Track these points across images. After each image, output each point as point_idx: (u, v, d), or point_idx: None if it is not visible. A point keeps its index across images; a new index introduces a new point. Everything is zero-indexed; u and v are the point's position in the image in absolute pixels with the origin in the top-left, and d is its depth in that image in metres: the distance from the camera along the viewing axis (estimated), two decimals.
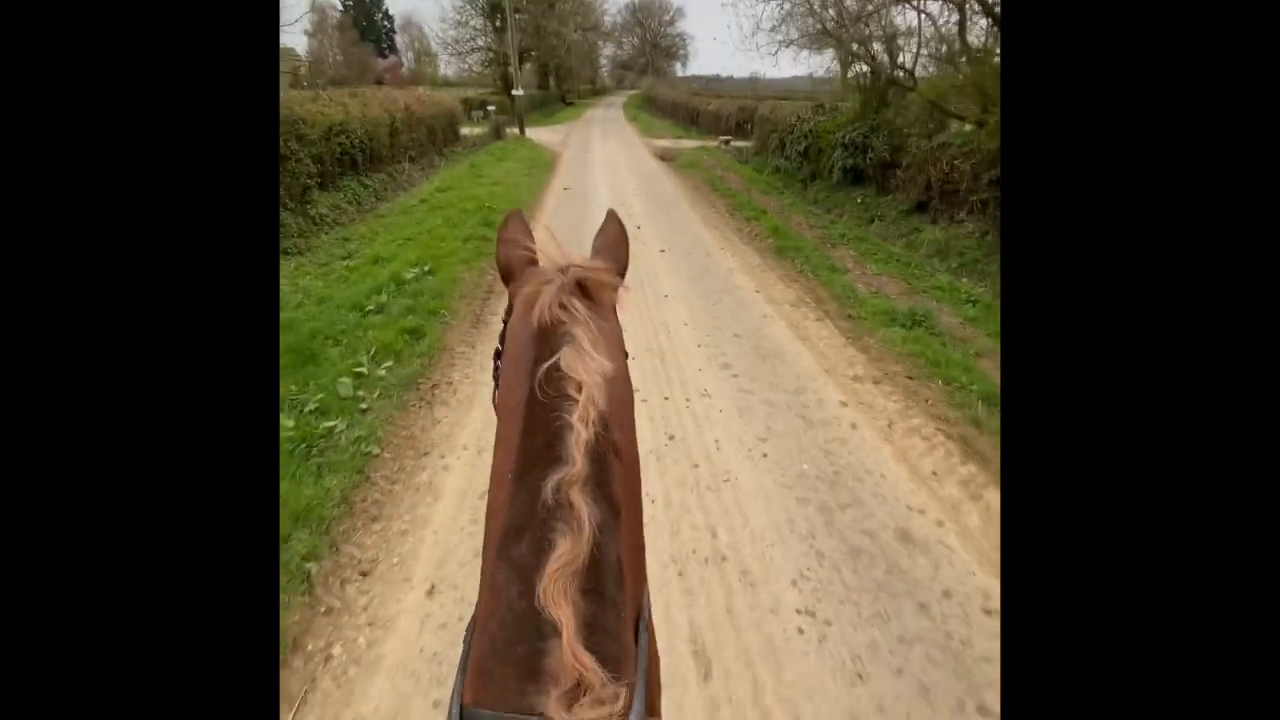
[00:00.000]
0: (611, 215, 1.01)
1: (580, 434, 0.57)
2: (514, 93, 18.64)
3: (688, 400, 3.64)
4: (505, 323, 0.82)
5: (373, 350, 4.08)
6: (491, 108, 20.74)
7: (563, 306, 0.67)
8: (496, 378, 0.83)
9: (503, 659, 0.51)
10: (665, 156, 15.28)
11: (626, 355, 0.80)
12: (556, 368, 0.62)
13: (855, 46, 11.43)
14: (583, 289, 0.72)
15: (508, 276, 0.84)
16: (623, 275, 0.87)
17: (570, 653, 0.48)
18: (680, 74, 69.33)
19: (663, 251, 6.91)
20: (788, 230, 7.64)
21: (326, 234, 7.86)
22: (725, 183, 11.67)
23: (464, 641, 0.59)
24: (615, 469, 0.61)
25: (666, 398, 3.67)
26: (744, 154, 16.03)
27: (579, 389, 0.60)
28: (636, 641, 0.57)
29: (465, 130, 17.86)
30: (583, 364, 0.62)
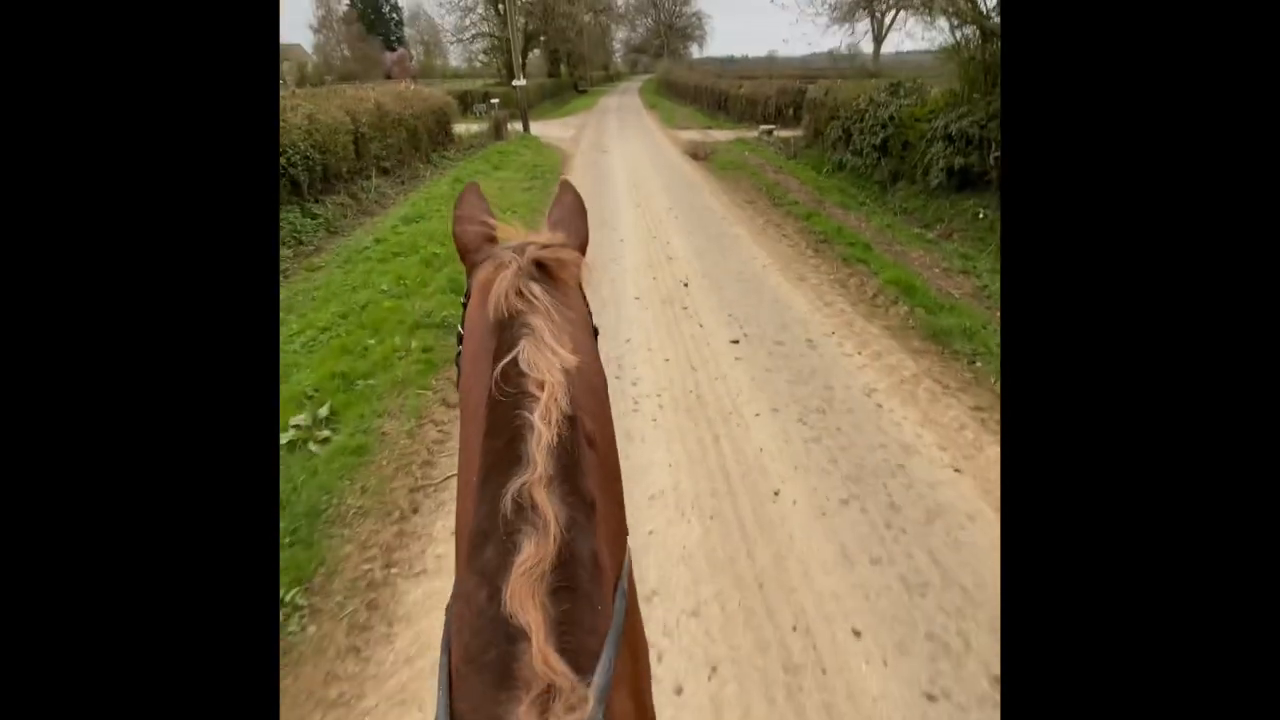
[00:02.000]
0: (565, 185, 0.95)
1: (542, 434, 0.54)
2: (515, 84, 15.68)
3: None
4: (465, 306, 0.77)
5: None
6: (495, 100, 17.87)
7: (520, 294, 0.64)
8: (459, 364, 0.75)
9: (476, 666, 0.48)
10: (698, 154, 12.33)
11: (596, 333, 0.78)
12: (515, 364, 0.59)
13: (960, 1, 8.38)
14: (542, 269, 0.69)
15: (465, 256, 0.79)
16: (583, 249, 0.82)
17: (540, 658, 0.45)
18: (696, 55, 65.60)
19: (736, 343, 4.06)
20: (922, 284, 4.76)
21: None
22: (784, 190, 8.72)
23: (442, 653, 0.54)
24: (589, 460, 0.58)
25: None
26: (792, 146, 13.01)
27: (540, 386, 0.57)
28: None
29: (462, 128, 15.06)
30: (543, 359, 0.59)
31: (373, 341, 4.01)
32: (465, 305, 0.76)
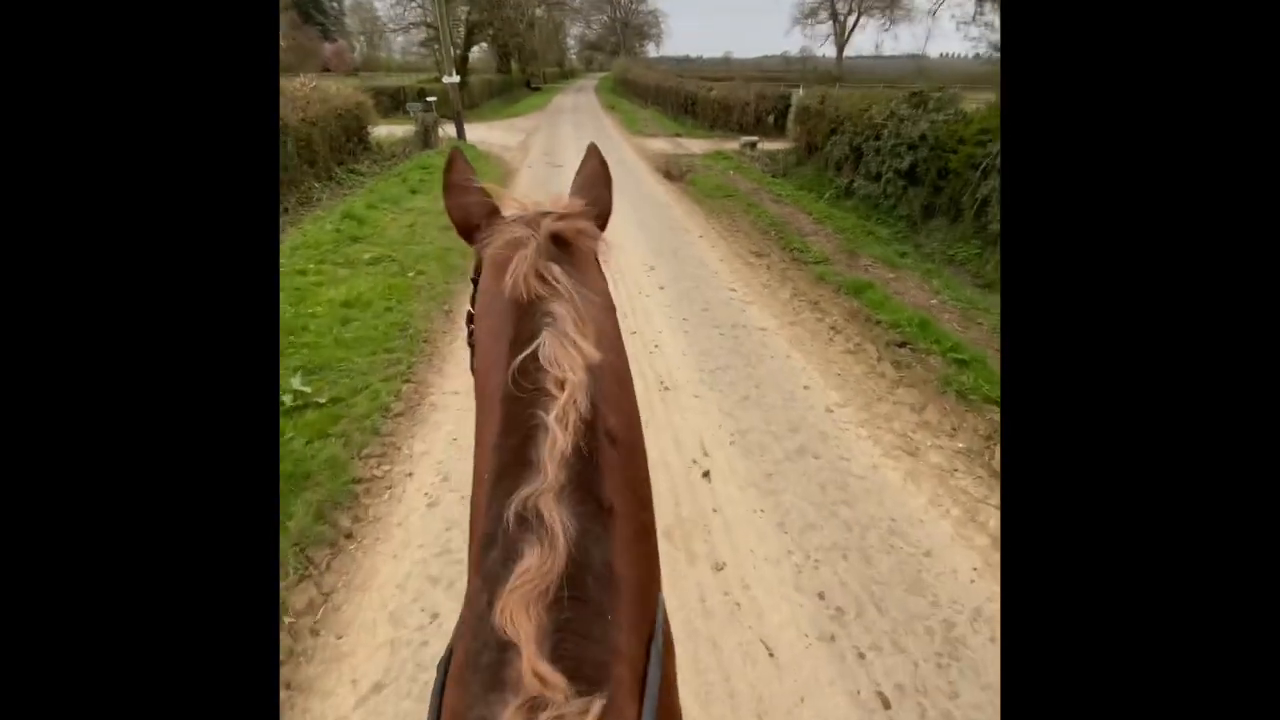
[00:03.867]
0: (592, 150, 0.85)
1: (557, 439, 0.50)
2: (445, 80, 12.71)
3: None
4: (474, 282, 0.73)
5: None
6: (432, 99, 14.91)
7: (540, 277, 0.60)
8: (471, 343, 0.71)
9: (473, 668, 0.46)
10: (672, 172, 9.87)
11: (616, 313, 0.72)
12: (535, 359, 0.55)
13: None
14: (560, 243, 0.65)
15: (467, 231, 0.73)
16: (605, 220, 0.76)
17: (529, 668, 0.42)
18: (653, 54, 63.26)
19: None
20: None
21: None
22: (798, 232, 6.37)
23: (446, 651, 0.55)
24: (609, 460, 0.54)
25: None
26: (779, 162, 10.70)
27: (560, 385, 0.53)
28: (649, 653, 0.52)
29: (385, 132, 12.14)
30: (565, 354, 0.55)
31: None
32: (475, 282, 0.72)
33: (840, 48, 32.82)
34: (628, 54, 54.85)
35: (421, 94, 17.15)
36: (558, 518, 0.47)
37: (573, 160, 11.48)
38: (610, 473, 0.53)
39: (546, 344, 0.55)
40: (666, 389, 3.38)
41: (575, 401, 0.52)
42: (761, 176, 9.62)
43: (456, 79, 12.51)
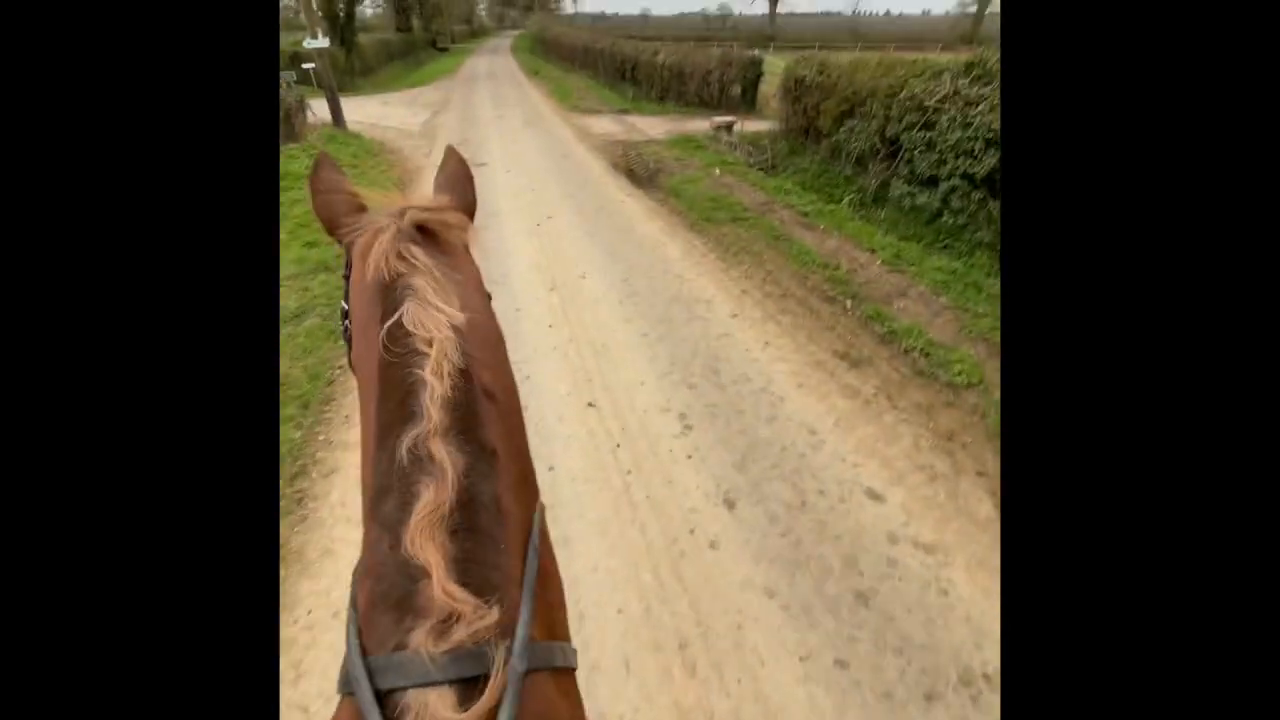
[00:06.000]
0: (450, 151, 0.85)
1: (435, 388, 0.53)
2: (309, 44, 8.93)
3: None
4: (346, 279, 0.71)
5: None
6: (310, 66, 11.17)
7: (400, 256, 0.61)
8: (348, 338, 0.73)
9: (382, 607, 0.48)
10: (636, 170, 7.11)
11: (488, 296, 0.74)
12: (400, 325, 0.56)
13: None
14: (424, 233, 0.66)
15: (333, 228, 0.71)
16: (471, 214, 0.77)
17: (440, 588, 0.45)
18: (569, 11, 58.13)
19: None
20: None
21: None
22: (872, 289, 3.91)
23: (349, 602, 0.53)
24: (488, 412, 0.57)
25: None
26: (764, 150, 8.14)
27: (429, 343, 0.55)
28: (525, 564, 0.56)
29: None
30: (429, 316, 0.57)
31: None
32: (347, 279, 0.71)
33: (773, 3, 29.84)
34: (542, 10, 49.68)
35: (296, 60, 13.16)
36: (446, 455, 0.49)
37: (497, 153, 8.31)
38: (490, 422, 0.55)
39: (410, 310, 0.56)
40: None
41: (447, 354, 0.53)
42: (761, 179, 7.01)
43: (325, 43, 8.91)
